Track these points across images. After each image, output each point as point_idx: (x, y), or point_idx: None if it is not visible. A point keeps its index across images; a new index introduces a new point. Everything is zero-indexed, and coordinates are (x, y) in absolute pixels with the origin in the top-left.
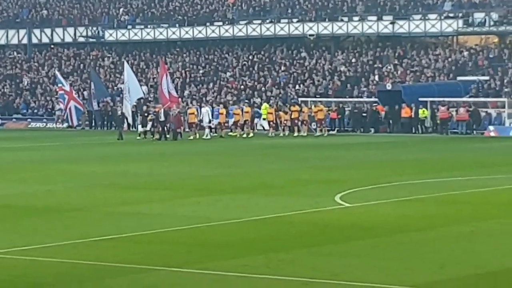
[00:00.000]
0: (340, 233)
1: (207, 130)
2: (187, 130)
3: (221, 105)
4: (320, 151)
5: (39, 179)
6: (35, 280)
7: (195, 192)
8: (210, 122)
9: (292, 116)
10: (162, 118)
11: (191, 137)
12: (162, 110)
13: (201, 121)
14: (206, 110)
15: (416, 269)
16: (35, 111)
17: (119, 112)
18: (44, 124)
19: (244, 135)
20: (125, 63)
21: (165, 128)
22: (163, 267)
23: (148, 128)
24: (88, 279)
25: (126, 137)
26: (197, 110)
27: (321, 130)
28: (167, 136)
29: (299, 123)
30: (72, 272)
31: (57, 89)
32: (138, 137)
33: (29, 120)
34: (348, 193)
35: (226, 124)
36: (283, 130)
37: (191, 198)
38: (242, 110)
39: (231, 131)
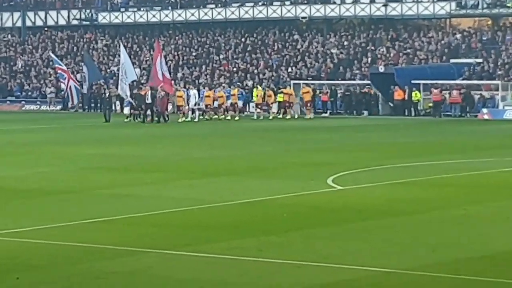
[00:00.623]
0: (332, 216)
1: (196, 113)
2: (178, 112)
3: (207, 88)
4: (312, 134)
5: (32, 161)
6: (27, 262)
7: (187, 174)
8: (196, 104)
9: (283, 99)
10: (149, 101)
11: (181, 120)
12: (149, 92)
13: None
14: (193, 92)
15: (408, 252)
16: (29, 93)
17: (107, 95)
18: (38, 106)
19: (234, 118)
20: (121, 45)
21: (152, 110)
22: (155, 249)
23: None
24: (80, 261)
25: (117, 120)
26: (184, 93)
27: (310, 112)
28: (154, 118)
29: (288, 105)
30: (64, 254)
31: (56, 69)
32: (125, 120)
33: (23, 102)
34: (340, 175)
35: (211, 107)
36: (278, 112)
37: (183, 180)
38: (229, 92)
39: (216, 114)
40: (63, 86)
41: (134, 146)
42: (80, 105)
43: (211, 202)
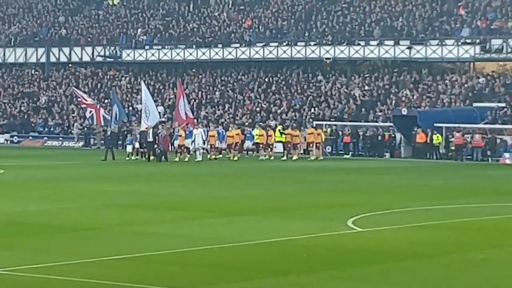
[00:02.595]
0: (351, 258)
1: (198, 152)
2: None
3: (212, 127)
4: (333, 175)
5: (53, 197)
6: None
7: (207, 213)
8: (204, 143)
9: (285, 140)
10: (151, 139)
11: (177, 159)
12: (151, 130)
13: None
14: (199, 131)
15: None
16: (51, 129)
17: (109, 132)
18: (60, 142)
19: (233, 158)
20: (142, 83)
21: (153, 149)
22: None
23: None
24: None
25: (121, 157)
26: (185, 132)
27: (319, 154)
28: (153, 157)
29: (290, 146)
30: None
31: (80, 103)
32: (126, 158)
33: (45, 138)
34: (361, 217)
35: (216, 147)
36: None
37: (203, 219)
38: (250, 133)
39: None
40: (88, 114)
41: (153, 183)
42: (102, 142)
43: (231, 242)
